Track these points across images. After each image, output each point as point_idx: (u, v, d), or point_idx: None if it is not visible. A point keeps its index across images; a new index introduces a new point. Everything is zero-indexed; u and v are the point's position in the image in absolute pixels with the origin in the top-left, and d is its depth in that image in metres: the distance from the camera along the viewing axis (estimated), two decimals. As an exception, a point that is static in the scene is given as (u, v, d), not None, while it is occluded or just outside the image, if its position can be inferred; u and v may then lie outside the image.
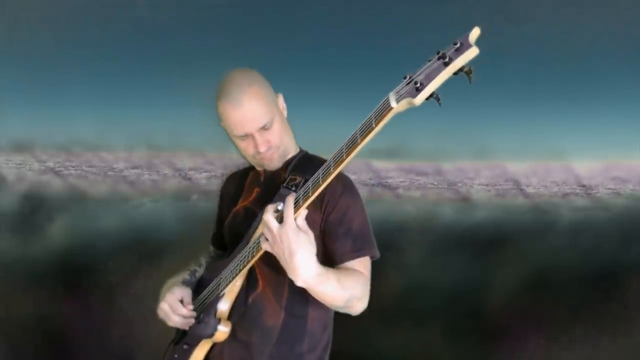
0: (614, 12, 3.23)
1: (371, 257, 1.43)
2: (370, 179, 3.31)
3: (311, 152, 1.60)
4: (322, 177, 1.21)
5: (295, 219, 1.20)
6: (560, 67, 3.31)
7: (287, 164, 1.52)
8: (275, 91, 1.53)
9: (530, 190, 3.47)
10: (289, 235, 1.18)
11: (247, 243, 1.39)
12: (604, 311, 3.09)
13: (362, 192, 1.51)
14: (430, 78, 1.08)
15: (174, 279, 1.59)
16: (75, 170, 3.49)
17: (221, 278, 1.43)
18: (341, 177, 1.45)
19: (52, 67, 3.35)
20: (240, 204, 1.56)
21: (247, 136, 1.45)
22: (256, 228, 1.41)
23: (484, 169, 3.49)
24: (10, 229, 3.32)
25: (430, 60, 1.10)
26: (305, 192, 1.23)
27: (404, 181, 3.41)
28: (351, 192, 1.47)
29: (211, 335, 1.40)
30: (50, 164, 3.48)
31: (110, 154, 3.51)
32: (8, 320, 3.07)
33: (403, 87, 1.12)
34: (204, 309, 1.43)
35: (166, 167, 3.48)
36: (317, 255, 1.25)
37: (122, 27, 3.38)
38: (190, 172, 3.44)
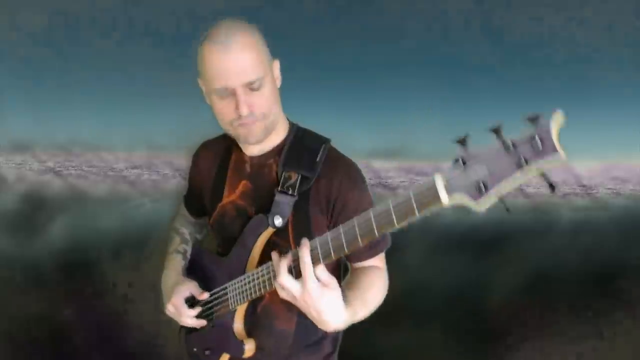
0: (614, 13, 3.23)
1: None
2: (370, 179, 3.30)
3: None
4: (346, 246, 1.04)
5: (315, 274, 1.07)
6: (561, 67, 3.31)
7: (277, 150, 1.34)
8: (272, 56, 1.31)
9: (530, 190, 3.47)
10: (312, 297, 1.08)
11: (246, 250, 1.31)
12: (604, 311, 3.09)
13: (368, 188, 1.40)
14: (496, 178, 0.84)
15: (170, 270, 1.51)
16: (75, 170, 3.48)
17: (228, 291, 1.35)
18: (347, 167, 1.32)
19: (52, 68, 3.35)
20: (227, 199, 1.40)
21: (228, 92, 1.22)
22: (256, 239, 1.29)
23: (484, 169, 3.49)
24: (10, 229, 3.32)
25: (495, 147, 0.84)
26: (324, 252, 1.07)
27: (404, 181, 3.41)
28: (358, 186, 1.32)
29: (242, 354, 1.35)
30: (50, 164, 3.48)
31: (110, 154, 3.51)
32: (8, 319, 3.07)
33: (457, 176, 0.88)
34: (213, 316, 1.40)
35: (166, 167, 3.48)
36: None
37: (122, 28, 3.38)
38: (190, 172, 3.44)
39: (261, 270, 1.25)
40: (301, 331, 1.38)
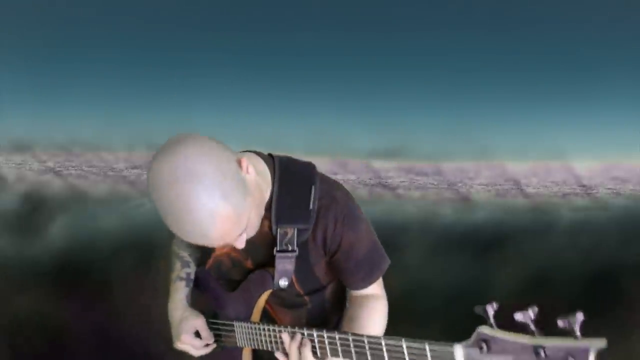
0: (614, 13, 3.23)
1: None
2: (370, 179, 3.31)
3: (312, 153, 1.45)
4: (355, 352, 1.07)
5: None
6: (561, 67, 3.31)
7: (267, 207, 1.25)
8: (234, 157, 1.12)
9: (530, 190, 3.47)
10: None
11: (250, 300, 1.32)
12: (604, 311, 3.09)
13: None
14: None
15: (174, 302, 1.47)
16: (75, 170, 3.49)
17: (235, 329, 1.36)
18: (339, 208, 1.27)
19: (52, 68, 3.35)
20: (220, 251, 1.38)
21: None
22: (260, 294, 1.30)
23: (484, 169, 3.49)
24: (10, 229, 3.32)
25: (525, 345, 0.81)
26: (344, 345, 1.10)
27: (404, 181, 3.41)
28: (351, 224, 1.28)
29: None
30: (50, 164, 3.48)
31: (110, 154, 3.51)
32: (8, 319, 3.07)
33: (477, 355, 0.87)
34: (222, 340, 1.40)
35: (166, 167, 3.48)
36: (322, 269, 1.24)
37: (123, 28, 3.38)
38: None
39: (271, 331, 1.25)
40: None
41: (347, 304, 1.42)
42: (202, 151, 1.08)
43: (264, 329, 1.26)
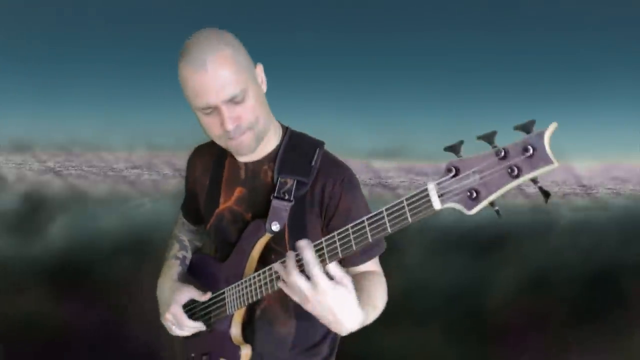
0: (614, 13, 3.23)
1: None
2: (370, 179, 3.31)
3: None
4: (340, 250, 1.03)
5: (327, 271, 1.04)
6: (561, 67, 3.31)
7: (271, 156, 1.31)
8: (254, 62, 1.26)
9: (530, 190, 3.47)
10: (326, 294, 1.04)
11: (244, 255, 1.31)
12: (604, 310, 3.09)
13: (362, 192, 1.38)
14: (489, 190, 0.87)
15: (165, 277, 1.49)
16: (75, 170, 3.49)
17: (225, 296, 1.34)
18: (341, 170, 1.30)
19: (52, 68, 3.36)
20: (223, 205, 1.38)
21: (211, 109, 1.19)
22: (254, 244, 1.29)
23: (484, 169, 3.49)
24: (10, 229, 3.32)
25: (487, 154, 0.87)
26: (331, 250, 1.05)
27: (404, 181, 3.41)
28: (351, 190, 1.29)
29: None
30: (50, 164, 3.49)
31: (110, 154, 3.51)
32: (8, 319, 3.07)
33: (449, 184, 0.91)
34: (211, 320, 1.40)
35: (166, 167, 3.48)
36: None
37: (123, 28, 3.38)
38: (190, 172, 3.44)
39: (261, 274, 1.25)
40: (300, 335, 1.38)
41: None
42: (235, 37, 1.24)
43: (254, 277, 1.25)
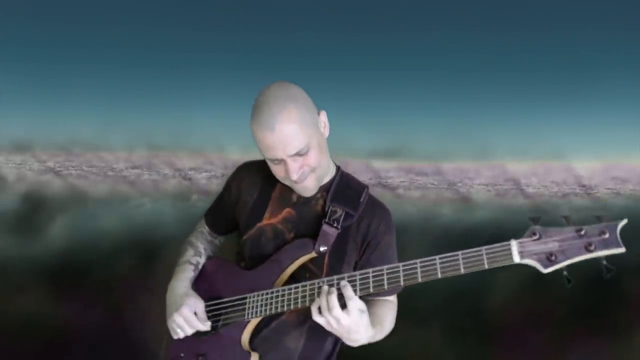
0: (614, 13, 3.23)
1: None
2: (370, 179, 3.31)
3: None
4: (387, 283, 1.24)
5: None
6: (561, 67, 3.31)
7: (325, 187, 1.46)
8: (317, 109, 1.41)
9: (530, 190, 3.47)
10: (355, 323, 1.23)
11: (280, 267, 1.37)
12: (604, 311, 3.09)
13: None
14: (567, 255, 1.10)
15: (178, 280, 1.51)
16: (75, 170, 3.49)
17: (246, 302, 1.38)
18: (385, 213, 1.47)
19: (52, 67, 3.35)
20: (267, 221, 1.47)
21: (278, 161, 1.34)
22: (296, 259, 1.37)
23: (484, 169, 3.49)
24: (10, 229, 3.32)
25: (568, 230, 1.08)
26: (364, 286, 1.23)
27: (404, 181, 3.41)
28: (391, 231, 1.48)
29: None
30: (50, 164, 3.48)
31: (110, 154, 3.50)
32: (8, 319, 3.07)
33: (531, 244, 1.12)
34: (219, 323, 1.40)
35: (166, 167, 3.48)
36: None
37: (123, 28, 3.38)
38: (190, 172, 3.44)
39: (294, 288, 1.30)
40: (307, 352, 1.42)
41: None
42: (299, 87, 1.39)
43: (285, 290, 1.34)
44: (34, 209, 3.39)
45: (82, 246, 3.31)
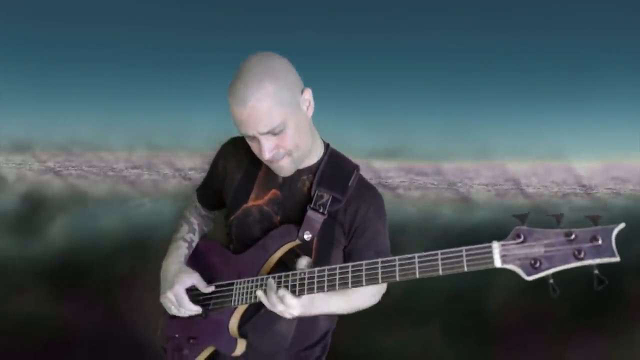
0: (613, 12, 3.23)
1: None
2: (370, 179, 3.30)
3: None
4: (365, 280, 1.20)
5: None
6: (561, 67, 3.31)
7: (312, 169, 1.39)
8: (303, 86, 1.35)
9: (530, 190, 3.47)
10: (301, 311, 1.28)
11: (266, 253, 1.35)
12: (604, 311, 3.09)
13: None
14: (552, 263, 0.97)
15: (173, 257, 1.51)
16: (75, 170, 3.48)
17: (233, 288, 1.37)
18: (375, 197, 1.41)
19: (52, 67, 3.35)
20: (253, 202, 1.42)
21: (252, 137, 1.28)
22: (280, 246, 1.36)
23: (484, 169, 3.49)
24: (10, 229, 3.32)
25: (556, 232, 0.95)
26: (343, 280, 1.22)
27: (404, 181, 3.41)
28: (381, 216, 1.40)
29: (232, 352, 1.38)
30: (50, 164, 3.48)
31: (110, 154, 3.50)
32: (8, 319, 3.07)
33: (514, 248, 0.99)
34: (209, 307, 1.41)
35: (166, 167, 3.48)
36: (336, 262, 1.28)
37: (123, 28, 3.38)
38: (190, 172, 3.44)
39: (277, 277, 1.28)
40: (299, 335, 1.41)
41: None
42: (284, 61, 1.34)
43: (273, 277, 1.31)
44: (34, 209, 3.39)
45: (82, 246, 3.31)
